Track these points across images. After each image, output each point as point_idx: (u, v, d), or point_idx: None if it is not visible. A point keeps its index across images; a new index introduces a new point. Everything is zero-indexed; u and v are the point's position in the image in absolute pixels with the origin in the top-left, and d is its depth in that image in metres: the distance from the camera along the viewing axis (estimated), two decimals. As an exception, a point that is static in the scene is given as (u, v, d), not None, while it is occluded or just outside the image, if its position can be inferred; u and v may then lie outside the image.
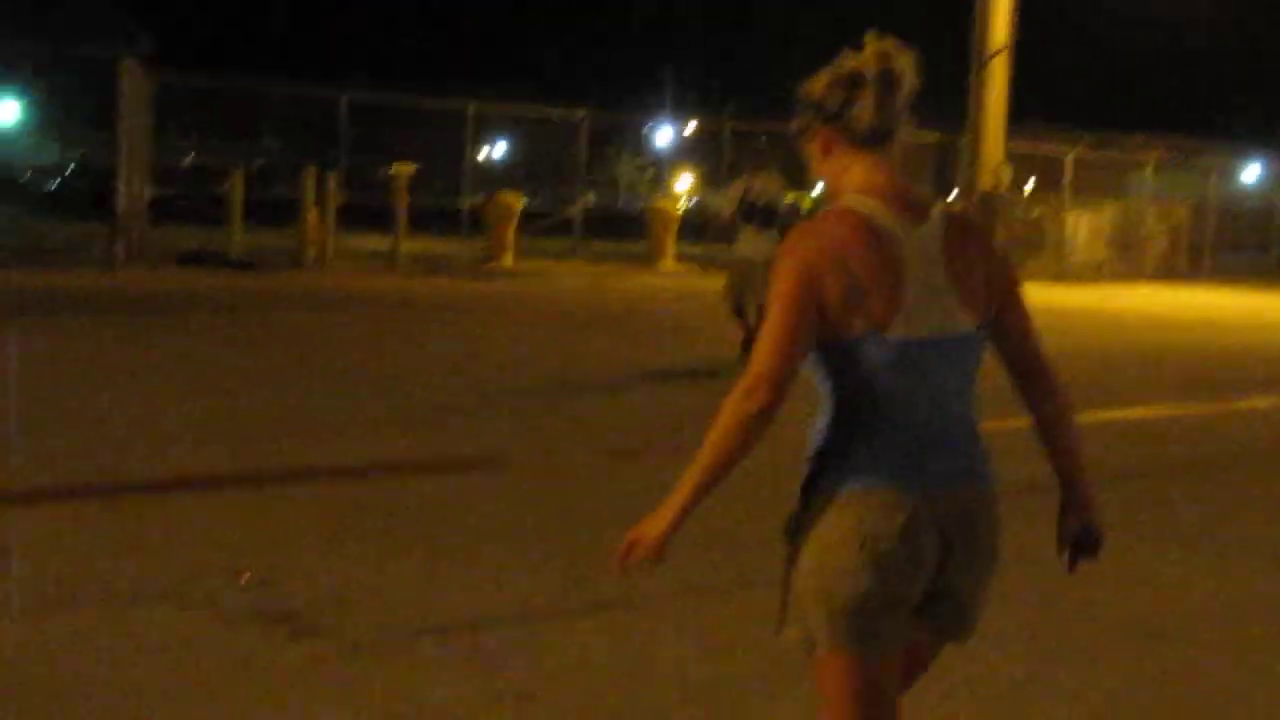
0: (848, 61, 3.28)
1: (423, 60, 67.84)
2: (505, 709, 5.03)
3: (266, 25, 71.10)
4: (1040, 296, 30.07)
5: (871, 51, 3.26)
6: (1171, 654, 6.03)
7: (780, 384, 3.16)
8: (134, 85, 25.36)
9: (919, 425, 3.22)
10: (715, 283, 16.96)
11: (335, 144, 30.71)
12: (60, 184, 53.69)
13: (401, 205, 28.10)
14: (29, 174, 61.88)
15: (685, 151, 47.46)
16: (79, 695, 4.94)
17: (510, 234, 29.36)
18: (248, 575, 6.37)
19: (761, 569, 7.03)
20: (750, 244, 14.61)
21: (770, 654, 5.80)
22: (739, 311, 14.72)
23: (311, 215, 27.13)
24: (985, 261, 3.30)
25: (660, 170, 44.52)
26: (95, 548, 6.81)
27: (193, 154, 65.98)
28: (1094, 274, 34.82)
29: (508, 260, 29.09)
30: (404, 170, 28.32)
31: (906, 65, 3.28)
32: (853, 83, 3.26)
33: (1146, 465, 10.42)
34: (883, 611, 3.19)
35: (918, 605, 3.25)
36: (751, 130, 33.17)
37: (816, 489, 3.26)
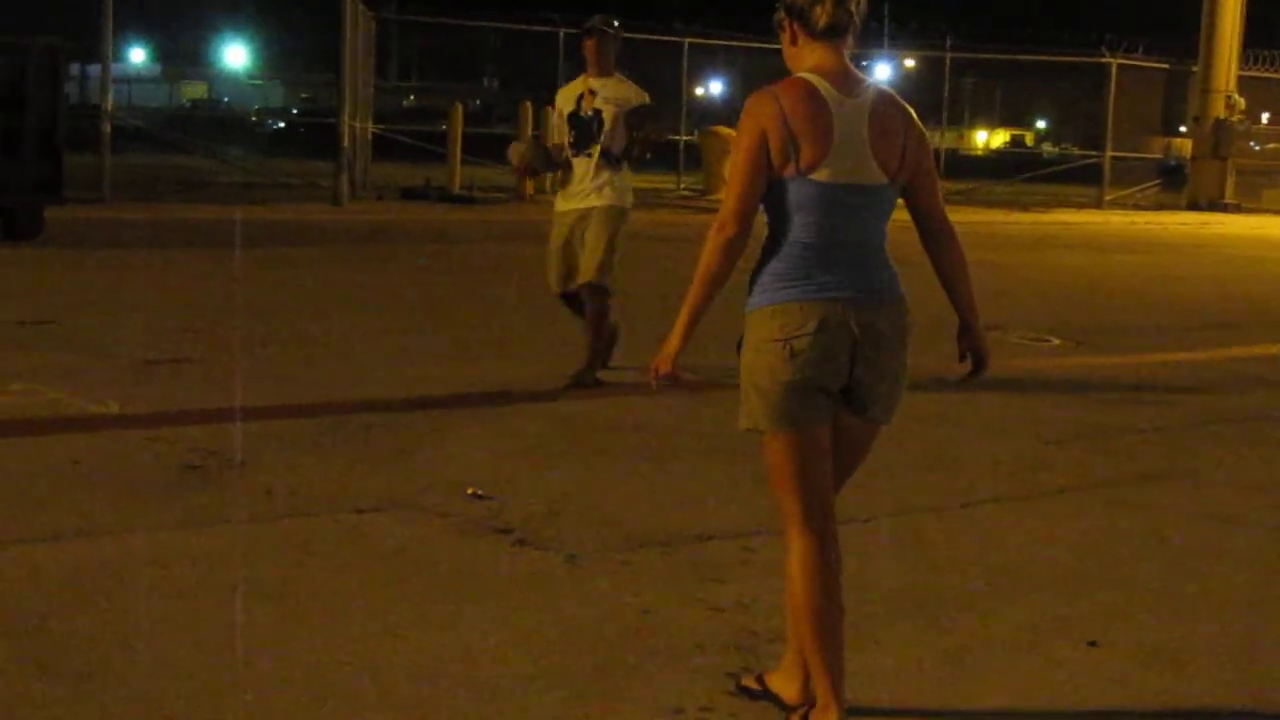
0: None
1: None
2: (724, 619, 5.06)
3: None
4: (1274, 228, 29.17)
5: None
6: None
7: (745, 217, 3.99)
8: (355, 23, 25.82)
9: (833, 253, 3.98)
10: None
11: (552, 80, 30.90)
12: (286, 124, 54.99)
13: (618, 140, 28.20)
14: (256, 115, 63.40)
15: (906, 85, 46.81)
16: (312, 596, 5.09)
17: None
18: (474, 489, 6.50)
19: (982, 489, 7.03)
20: (588, 185, 9.17)
21: (988, 570, 5.78)
22: (570, 294, 9.33)
23: (530, 150, 27.36)
24: (904, 132, 4.06)
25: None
26: (327, 462, 7.00)
27: (411, 96, 67.01)
28: (1331, 205, 33.61)
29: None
30: (622, 105, 28.40)
31: None
32: None
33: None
34: (804, 398, 3.98)
35: (842, 395, 4.02)
36: (974, 58, 32.53)
37: (754, 303, 4.03)
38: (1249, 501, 7.14)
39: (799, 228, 3.98)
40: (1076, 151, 44.23)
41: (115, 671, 4.35)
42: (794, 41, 4.12)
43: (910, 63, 47.21)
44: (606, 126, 9.09)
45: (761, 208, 4.04)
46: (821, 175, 3.95)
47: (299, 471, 6.77)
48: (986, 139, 73.69)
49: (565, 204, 9.27)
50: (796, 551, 4.07)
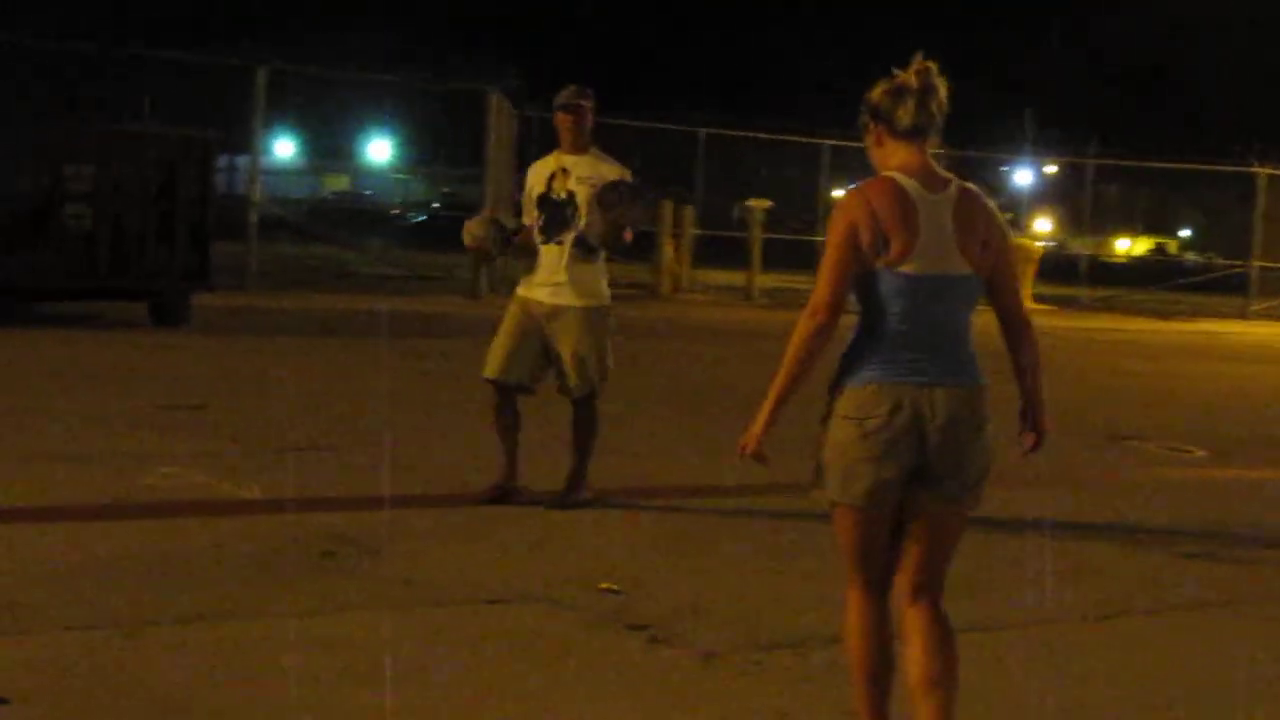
0: (897, 77, 4.31)
1: (778, 93, 68.29)
2: (858, 723, 5.01)
3: (628, 60, 72.64)
4: None
5: (914, 70, 4.30)
6: None
7: (835, 307, 4.24)
8: (499, 119, 26.21)
9: (918, 338, 4.22)
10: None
11: (691, 178, 31.05)
12: (428, 217, 55.83)
13: (756, 240, 28.35)
14: (399, 208, 64.47)
15: (1046, 192, 46.71)
16: (444, 686, 5.12)
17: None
18: (607, 583, 6.52)
19: (1118, 601, 6.92)
20: (561, 276, 8.15)
21: (1123, 683, 5.68)
22: (508, 424, 8.49)
23: (668, 248, 27.60)
24: (986, 227, 4.30)
25: (1018, 212, 43.85)
26: (462, 552, 7.06)
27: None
28: None
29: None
30: (759, 205, 28.58)
31: (940, 83, 4.31)
32: (899, 92, 4.30)
33: None
34: (874, 476, 4.21)
35: (918, 477, 4.22)
36: (1118, 165, 32.28)
37: (839, 384, 4.28)
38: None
39: (886, 315, 4.24)
40: (1221, 261, 43.64)
41: (253, 753, 4.40)
42: (879, 143, 4.39)
43: (1052, 169, 47.01)
44: (581, 210, 8.02)
45: (854, 296, 4.30)
46: (908, 268, 4.21)
47: (434, 561, 6.83)
48: (1129, 246, 72.94)
49: (530, 292, 8.21)
50: (853, 610, 4.46)
